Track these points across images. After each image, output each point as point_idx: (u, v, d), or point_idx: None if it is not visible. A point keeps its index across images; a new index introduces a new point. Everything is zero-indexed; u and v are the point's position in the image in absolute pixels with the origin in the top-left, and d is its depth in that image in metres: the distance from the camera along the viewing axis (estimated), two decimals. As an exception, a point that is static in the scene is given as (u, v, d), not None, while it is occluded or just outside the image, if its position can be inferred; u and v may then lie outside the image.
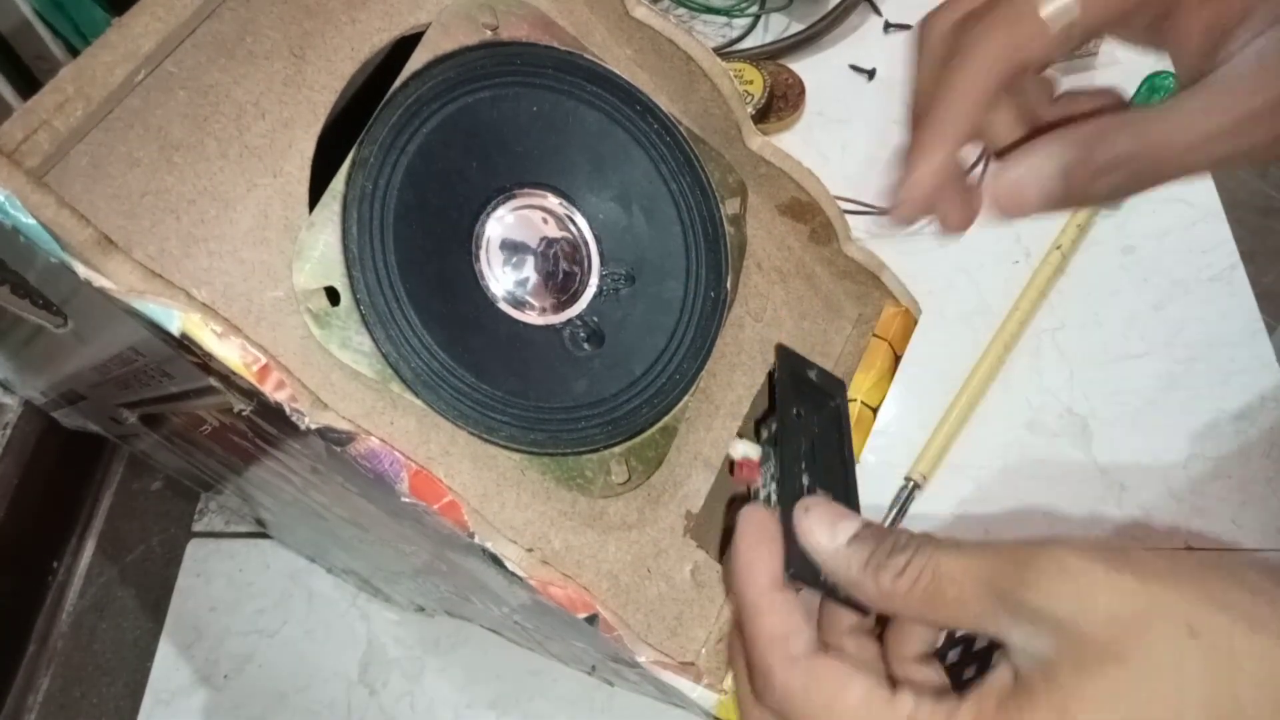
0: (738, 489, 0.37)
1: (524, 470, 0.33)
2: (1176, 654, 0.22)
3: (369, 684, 0.55)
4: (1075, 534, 0.56)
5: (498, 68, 0.34)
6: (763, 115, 0.71)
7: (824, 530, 0.29)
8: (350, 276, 0.30)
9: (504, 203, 0.34)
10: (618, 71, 0.36)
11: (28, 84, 0.60)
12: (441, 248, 0.33)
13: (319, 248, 0.30)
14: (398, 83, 0.32)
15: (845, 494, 0.33)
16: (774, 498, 0.33)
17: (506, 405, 0.32)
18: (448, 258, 0.33)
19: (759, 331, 0.39)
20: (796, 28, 0.77)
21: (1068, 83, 0.32)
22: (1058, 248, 0.64)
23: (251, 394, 0.28)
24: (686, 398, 0.36)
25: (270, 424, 0.31)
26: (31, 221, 0.25)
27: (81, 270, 0.25)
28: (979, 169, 0.32)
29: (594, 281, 0.35)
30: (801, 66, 0.75)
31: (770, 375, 0.36)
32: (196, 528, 0.62)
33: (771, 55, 0.75)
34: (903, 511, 0.57)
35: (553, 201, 0.35)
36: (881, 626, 0.31)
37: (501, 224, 0.34)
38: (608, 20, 0.38)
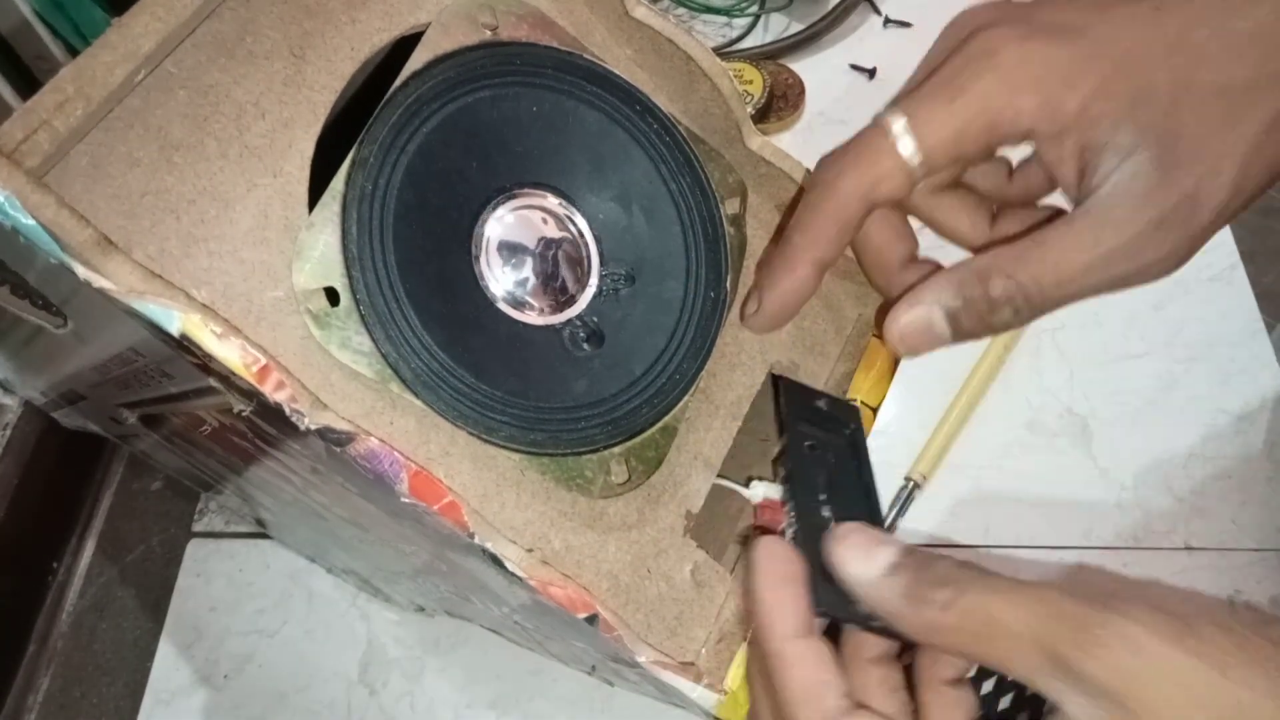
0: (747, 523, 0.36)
1: (524, 470, 0.33)
2: None
3: (369, 684, 0.55)
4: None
5: (498, 68, 0.34)
6: (763, 115, 0.71)
7: (860, 559, 0.28)
8: (350, 277, 0.30)
9: (504, 203, 0.34)
10: (618, 71, 0.36)
11: (28, 84, 0.60)
12: (441, 248, 0.33)
13: (319, 248, 0.30)
14: (398, 83, 0.32)
15: (870, 522, 0.31)
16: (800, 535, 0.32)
17: (506, 405, 0.32)
18: (447, 258, 0.33)
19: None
20: (796, 28, 0.76)
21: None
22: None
23: (251, 394, 0.28)
24: (686, 398, 0.36)
25: (270, 424, 0.31)
26: (31, 222, 0.25)
27: (81, 271, 0.25)
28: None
29: (594, 281, 0.35)
30: (801, 66, 0.75)
31: (776, 410, 0.35)
32: (196, 528, 0.62)
33: (771, 55, 0.75)
34: (902, 511, 0.57)
35: (552, 202, 0.35)
36: (907, 648, 0.30)
37: (501, 224, 0.34)
38: (608, 20, 0.38)
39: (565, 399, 0.34)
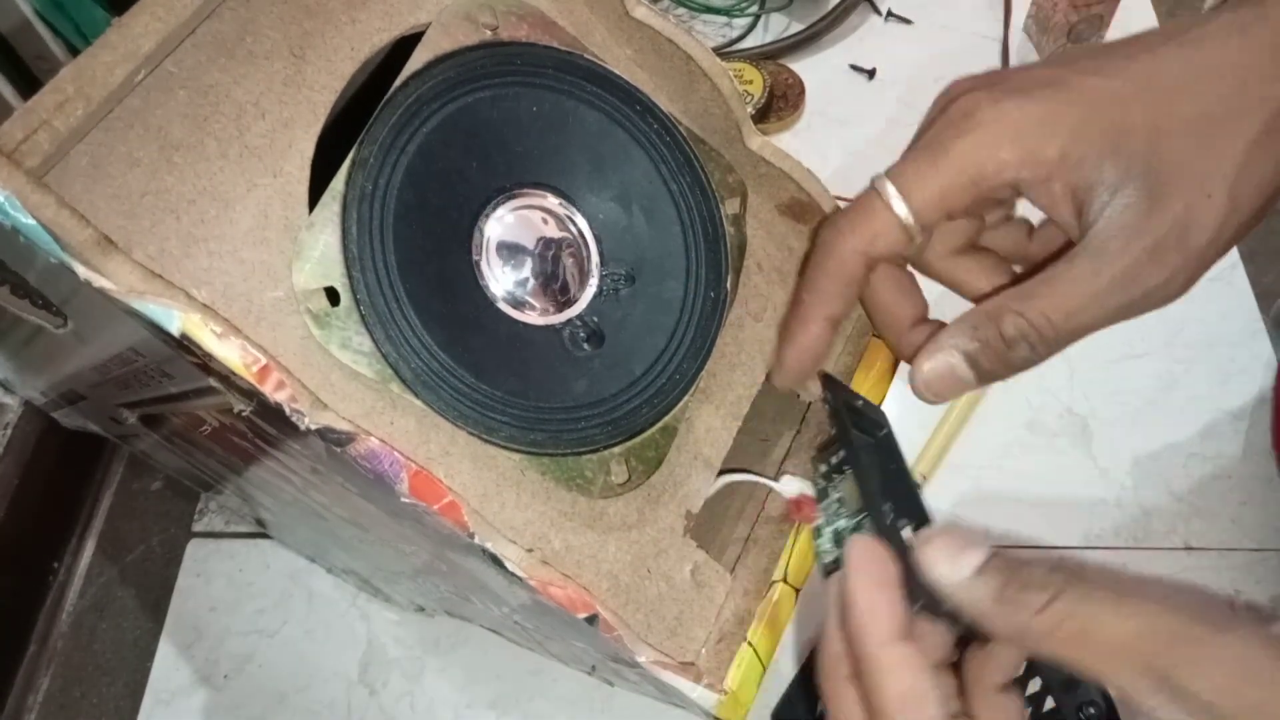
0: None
1: (524, 470, 0.33)
2: None
3: (369, 684, 0.55)
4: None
5: (498, 68, 0.34)
6: (763, 115, 0.71)
7: (948, 561, 0.27)
8: (350, 277, 0.30)
9: (504, 203, 0.34)
10: (618, 71, 0.36)
11: (28, 84, 0.60)
12: (441, 248, 0.33)
13: (319, 248, 0.30)
14: (398, 83, 0.32)
15: (922, 523, 0.31)
16: (843, 534, 0.31)
17: (506, 405, 0.32)
18: (447, 258, 0.33)
19: (759, 331, 0.39)
20: (796, 28, 0.76)
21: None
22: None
23: (251, 394, 0.28)
24: (686, 398, 0.36)
25: (270, 424, 0.31)
26: (31, 222, 0.25)
27: (81, 271, 0.25)
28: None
29: (594, 281, 0.35)
30: (801, 66, 0.75)
31: (828, 406, 0.35)
32: (196, 528, 0.62)
33: (771, 55, 0.75)
34: (903, 511, 0.57)
35: (552, 201, 0.35)
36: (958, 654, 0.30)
37: (501, 224, 0.34)
38: (608, 20, 0.38)
39: (565, 399, 0.34)
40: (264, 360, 0.27)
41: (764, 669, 0.36)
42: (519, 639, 0.51)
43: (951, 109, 0.30)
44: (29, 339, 0.40)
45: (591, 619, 0.31)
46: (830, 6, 0.76)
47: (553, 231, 0.35)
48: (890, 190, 0.30)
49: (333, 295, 0.30)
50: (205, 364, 0.27)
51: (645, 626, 0.34)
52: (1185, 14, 0.30)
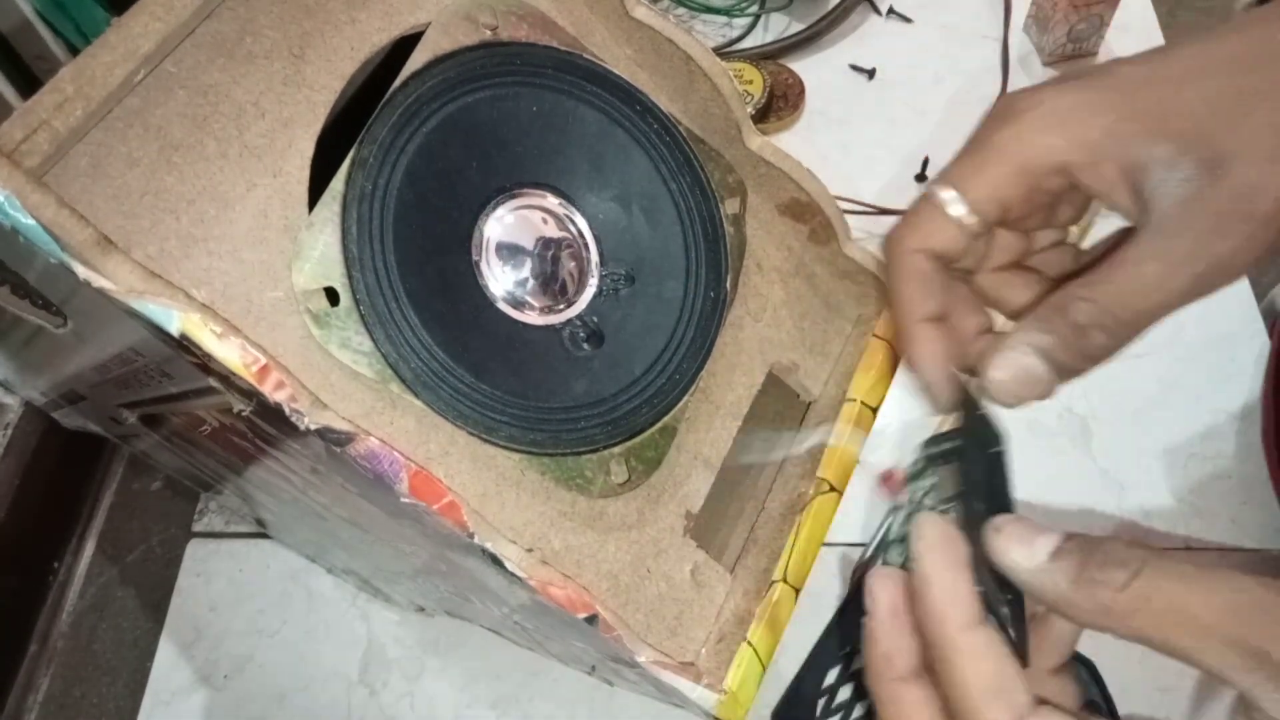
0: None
1: (524, 470, 0.33)
2: None
3: (369, 684, 0.55)
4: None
5: (497, 68, 0.34)
6: (763, 115, 0.71)
7: (1021, 548, 0.27)
8: (350, 277, 0.30)
9: (504, 203, 0.34)
10: (618, 71, 0.36)
11: (28, 84, 0.60)
12: (441, 248, 0.33)
13: (318, 248, 0.30)
14: (397, 83, 0.32)
15: None
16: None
17: (506, 405, 0.32)
18: (447, 258, 0.33)
19: (759, 331, 0.39)
20: (796, 27, 0.76)
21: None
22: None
23: (251, 394, 0.28)
24: (686, 398, 0.36)
25: (270, 424, 0.31)
26: (31, 222, 0.25)
27: (81, 271, 0.25)
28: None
29: (594, 281, 0.35)
30: (801, 66, 0.75)
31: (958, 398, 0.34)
32: (196, 528, 0.62)
33: (771, 55, 0.75)
34: (903, 511, 0.57)
35: (552, 201, 0.35)
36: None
37: (501, 224, 0.34)
38: (608, 20, 0.38)
39: (565, 399, 0.34)
40: (263, 360, 0.27)
41: (764, 669, 0.36)
42: (519, 639, 0.51)
43: (994, 111, 0.30)
44: (29, 339, 0.40)
45: (591, 619, 0.31)
46: (830, 6, 0.76)
47: (552, 231, 0.35)
48: (942, 189, 0.30)
49: (332, 295, 0.30)
50: (205, 364, 0.27)
51: (645, 626, 0.34)
52: (1185, 14, 0.30)
